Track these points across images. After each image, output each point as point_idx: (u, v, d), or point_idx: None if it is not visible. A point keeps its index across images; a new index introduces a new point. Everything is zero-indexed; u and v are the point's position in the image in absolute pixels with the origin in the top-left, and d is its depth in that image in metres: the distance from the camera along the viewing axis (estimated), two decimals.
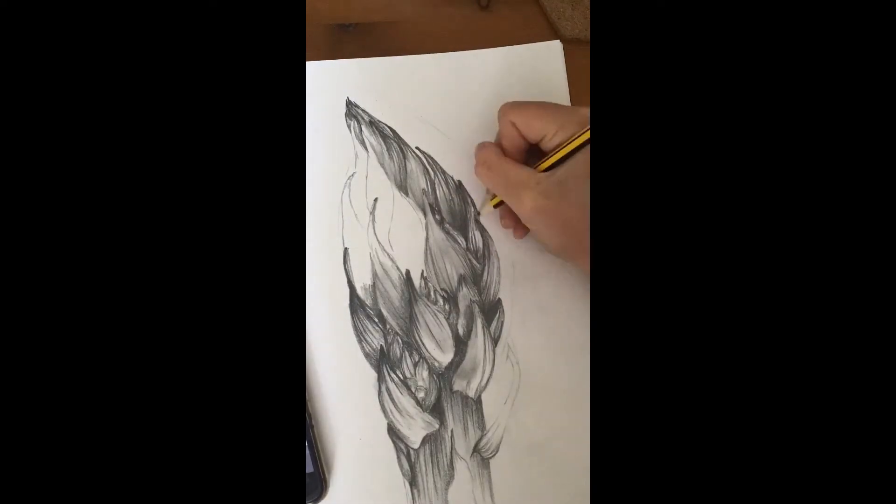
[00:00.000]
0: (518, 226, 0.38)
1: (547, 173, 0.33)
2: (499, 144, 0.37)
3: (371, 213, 0.39)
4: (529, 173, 0.34)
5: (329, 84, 0.40)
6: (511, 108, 0.35)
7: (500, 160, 0.35)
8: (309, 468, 0.36)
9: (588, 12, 0.41)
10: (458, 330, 0.39)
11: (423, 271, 0.39)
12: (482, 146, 0.37)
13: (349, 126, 0.40)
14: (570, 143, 0.33)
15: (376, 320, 0.38)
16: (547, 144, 0.34)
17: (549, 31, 0.42)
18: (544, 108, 0.34)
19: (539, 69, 0.40)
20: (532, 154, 0.36)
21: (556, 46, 0.41)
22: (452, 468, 0.38)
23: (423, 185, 0.40)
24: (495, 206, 0.38)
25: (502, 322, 0.39)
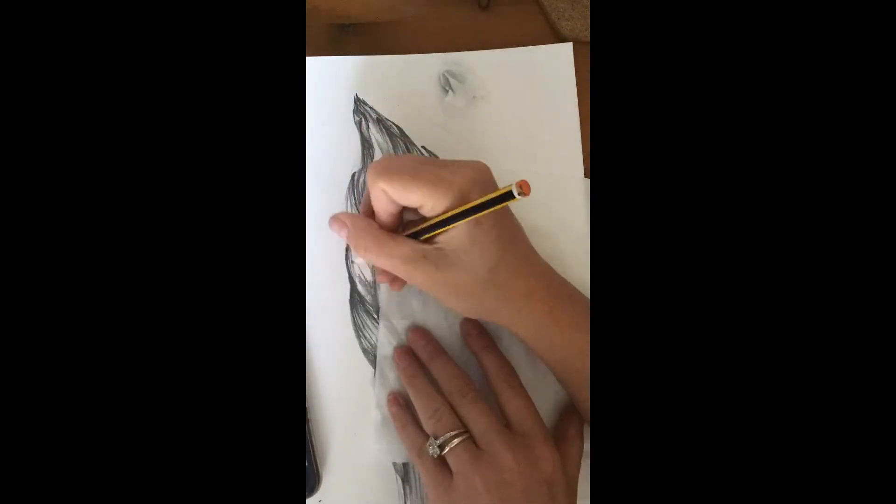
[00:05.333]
0: (395, 280, 0.37)
1: (431, 246, 0.32)
2: (366, 209, 0.35)
3: None
4: (413, 248, 0.32)
5: (337, 79, 0.40)
6: (381, 175, 0.31)
7: (378, 240, 0.32)
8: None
9: (588, 12, 0.41)
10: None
11: None
12: (347, 223, 0.34)
13: (356, 122, 0.40)
14: (454, 223, 0.30)
15: (375, 316, 0.39)
16: (426, 213, 0.32)
17: (549, 31, 0.42)
18: (418, 174, 0.31)
19: (548, 71, 0.41)
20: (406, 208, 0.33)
21: (565, 49, 0.41)
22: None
23: None
24: None
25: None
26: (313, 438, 0.37)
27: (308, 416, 0.37)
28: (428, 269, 0.31)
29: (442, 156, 0.40)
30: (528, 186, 0.27)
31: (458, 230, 0.31)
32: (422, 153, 0.40)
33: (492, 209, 0.29)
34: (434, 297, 0.34)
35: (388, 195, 0.32)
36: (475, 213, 0.29)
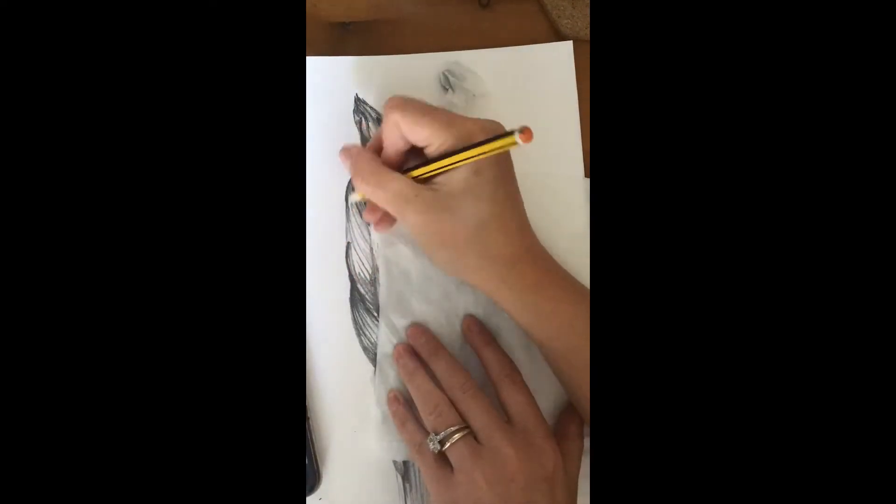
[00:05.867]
0: (383, 219, 0.36)
1: (428, 185, 0.32)
2: (374, 146, 0.36)
3: None
4: (409, 185, 0.32)
5: (338, 79, 0.40)
6: (397, 107, 0.32)
7: (376, 171, 0.33)
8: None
9: (588, 11, 0.41)
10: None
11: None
12: (351, 154, 0.35)
13: (357, 122, 0.40)
14: (453, 159, 0.31)
15: (376, 314, 0.39)
16: (431, 152, 0.32)
17: (550, 30, 0.42)
18: (432, 114, 0.32)
19: (548, 69, 0.41)
20: (412, 152, 0.34)
21: (565, 47, 0.41)
22: None
23: None
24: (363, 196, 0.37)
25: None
26: (313, 437, 0.37)
27: (308, 415, 0.37)
28: (418, 209, 0.31)
29: None
30: (530, 133, 0.27)
31: (456, 175, 0.31)
32: None
33: (489, 152, 0.30)
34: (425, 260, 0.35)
35: (400, 128, 0.32)
36: (472, 150, 0.30)
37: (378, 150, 0.35)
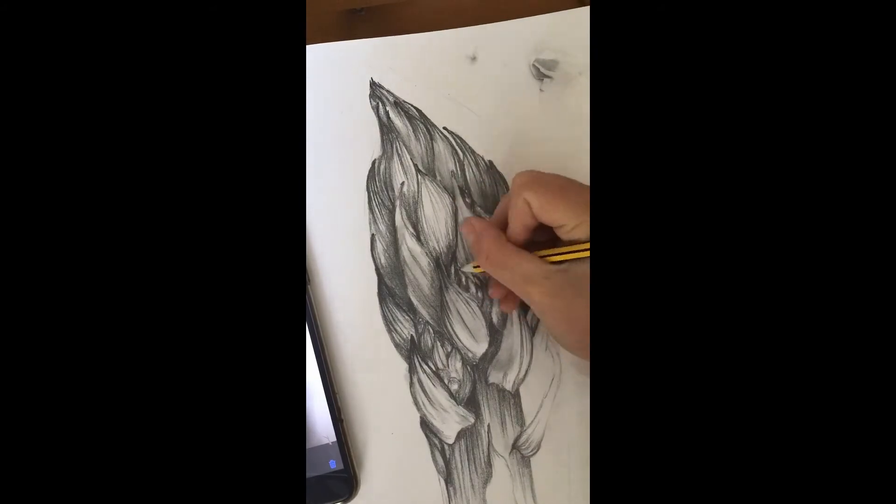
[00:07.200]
0: (508, 298, 0.35)
1: (558, 267, 0.30)
2: (498, 220, 0.34)
3: (398, 198, 0.38)
4: (537, 266, 0.30)
5: (351, 65, 0.38)
6: (528, 185, 0.30)
7: (502, 251, 0.31)
8: (338, 465, 0.35)
9: None
10: (492, 319, 0.37)
11: (454, 257, 0.37)
12: (476, 230, 0.32)
13: (374, 108, 0.38)
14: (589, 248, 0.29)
15: (406, 309, 0.37)
16: (564, 234, 0.30)
17: None
18: (566, 192, 0.30)
19: (568, 38, 0.38)
20: (540, 228, 0.32)
21: (583, 13, 0.38)
22: (490, 465, 0.35)
23: (452, 167, 0.38)
24: (476, 269, 0.35)
25: None
26: (348, 440, 0.35)
27: (341, 417, 0.35)
28: (547, 291, 0.30)
29: (466, 135, 0.38)
30: None
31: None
32: (443, 135, 0.38)
33: None
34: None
35: (531, 208, 0.30)
36: None
37: (502, 223, 0.33)
